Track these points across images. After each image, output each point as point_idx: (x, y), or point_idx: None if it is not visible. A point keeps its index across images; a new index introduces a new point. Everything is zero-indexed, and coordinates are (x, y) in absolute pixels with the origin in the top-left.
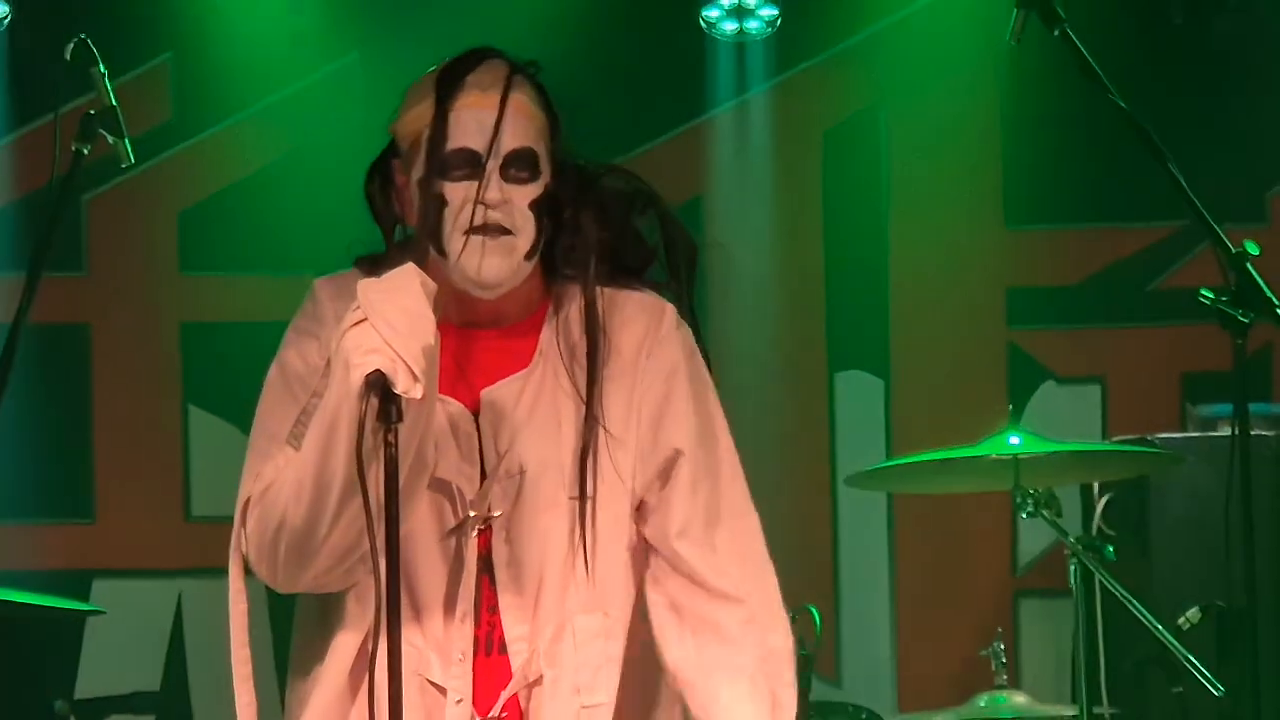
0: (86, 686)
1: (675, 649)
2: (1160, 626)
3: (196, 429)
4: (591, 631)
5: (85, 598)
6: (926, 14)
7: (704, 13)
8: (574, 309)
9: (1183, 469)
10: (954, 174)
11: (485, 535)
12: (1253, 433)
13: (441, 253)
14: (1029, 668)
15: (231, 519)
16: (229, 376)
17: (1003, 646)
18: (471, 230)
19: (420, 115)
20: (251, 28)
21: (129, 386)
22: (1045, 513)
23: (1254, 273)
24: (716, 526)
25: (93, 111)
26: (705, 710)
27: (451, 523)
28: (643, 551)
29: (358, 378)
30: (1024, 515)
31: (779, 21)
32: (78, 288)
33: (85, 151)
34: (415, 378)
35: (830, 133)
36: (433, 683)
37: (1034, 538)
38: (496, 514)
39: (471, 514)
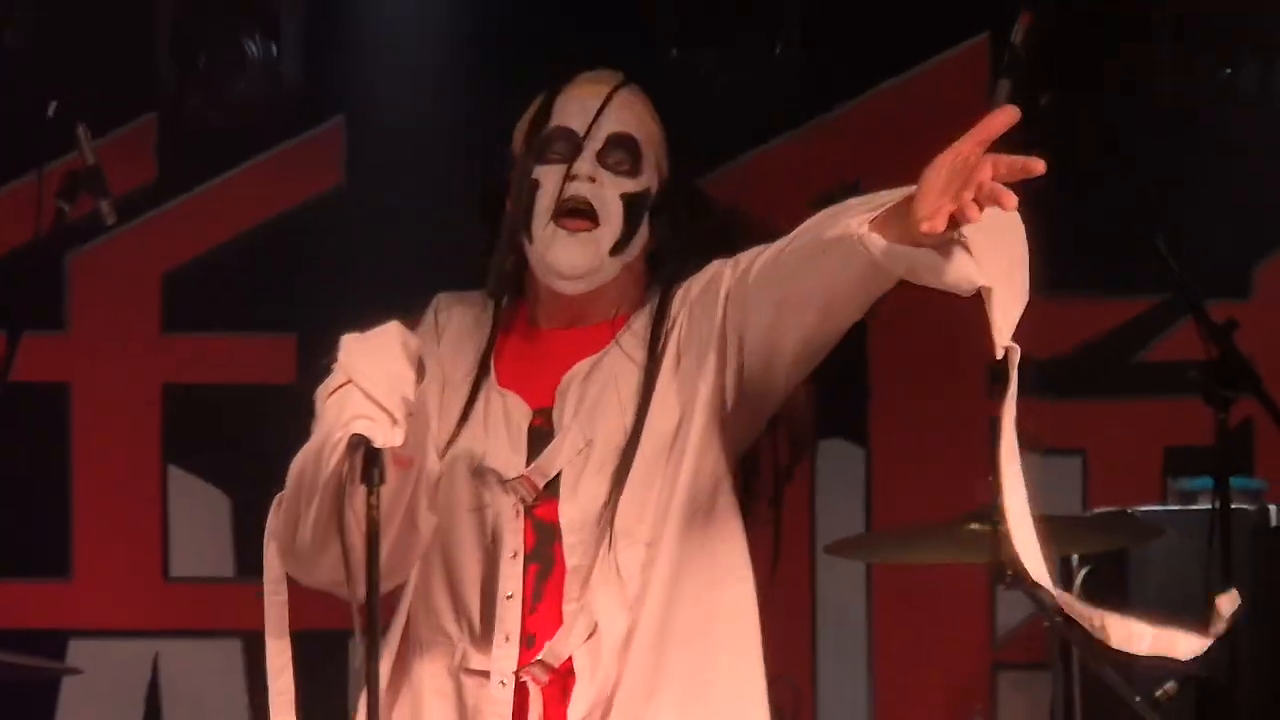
0: None
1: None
2: (1138, 699)
3: (176, 489)
4: (646, 562)
5: (61, 657)
6: (911, 86)
7: (689, 74)
8: (654, 302)
9: (1162, 542)
10: None
11: (532, 525)
12: (1233, 506)
13: (529, 238)
14: None
15: (209, 580)
16: (210, 437)
17: None
18: (558, 211)
19: (529, 116)
20: (235, 88)
21: (108, 445)
22: (1024, 585)
23: (1237, 347)
24: None
25: (76, 170)
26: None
27: (494, 510)
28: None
29: (340, 448)
30: (1002, 587)
31: (763, 88)
32: (58, 346)
33: (67, 209)
34: (395, 423)
35: (811, 203)
36: (473, 670)
37: (1012, 611)
38: (558, 490)
39: (526, 490)
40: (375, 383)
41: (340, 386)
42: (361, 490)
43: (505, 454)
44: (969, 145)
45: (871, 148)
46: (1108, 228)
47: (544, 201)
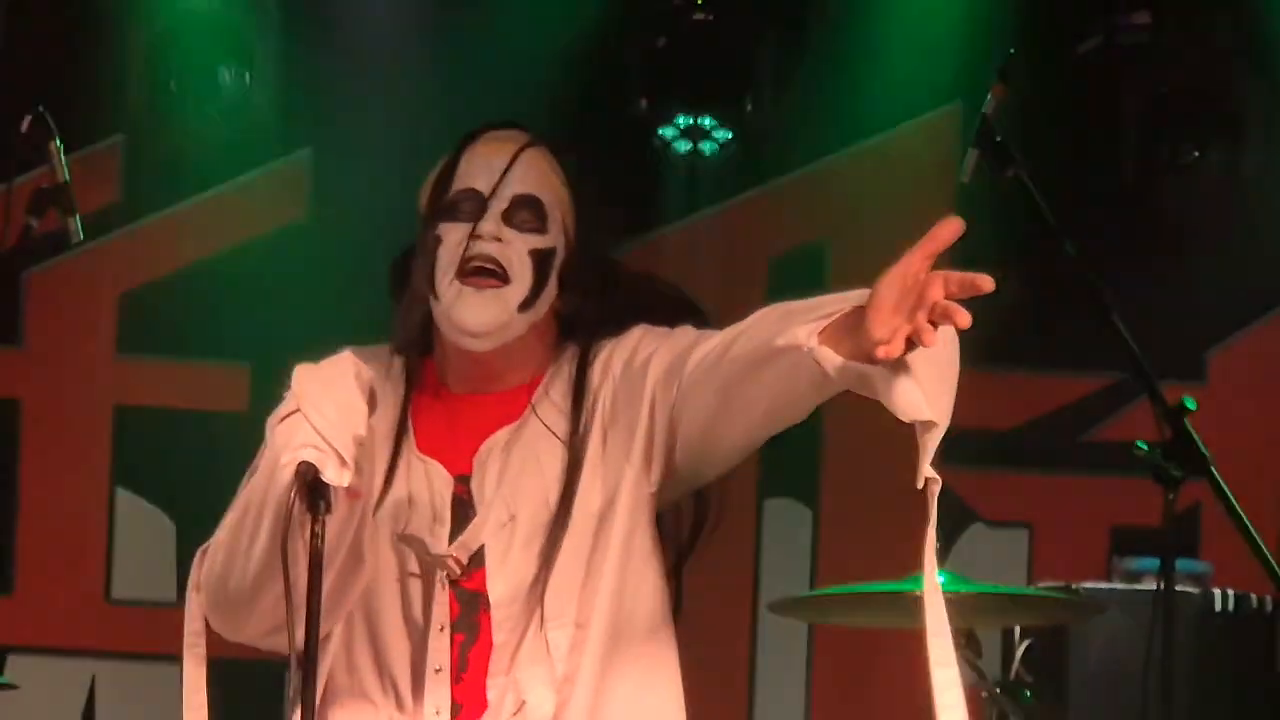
0: None
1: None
2: None
3: (123, 511)
4: (576, 643)
5: None
6: (880, 149)
7: (659, 131)
8: (568, 367)
9: (1104, 620)
10: None
11: (456, 596)
12: (1178, 589)
13: (435, 296)
14: None
15: (151, 604)
16: (159, 461)
17: None
18: (462, 269)
19: (435, 173)
20: (205, 115)
21: (57, 463)
22: (966, 653)
23: (1190, 428)
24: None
25: (46, 186)
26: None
27: (419, 582)
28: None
29: (287, 473)
30: None
31: (733, 145)
32: (12, 361)
33: (35, 225)
34: (344, 464)
35: (776, 261)
36: None
37: None
38: (464, 566)
39: (445, 555)
40: (326, 415)
41: (291, 414)
42: (306, 519)
43: (429, 524)
44: (918, 259)
45: (840, 207)
46: (1066, 304)
47: (447, 258)
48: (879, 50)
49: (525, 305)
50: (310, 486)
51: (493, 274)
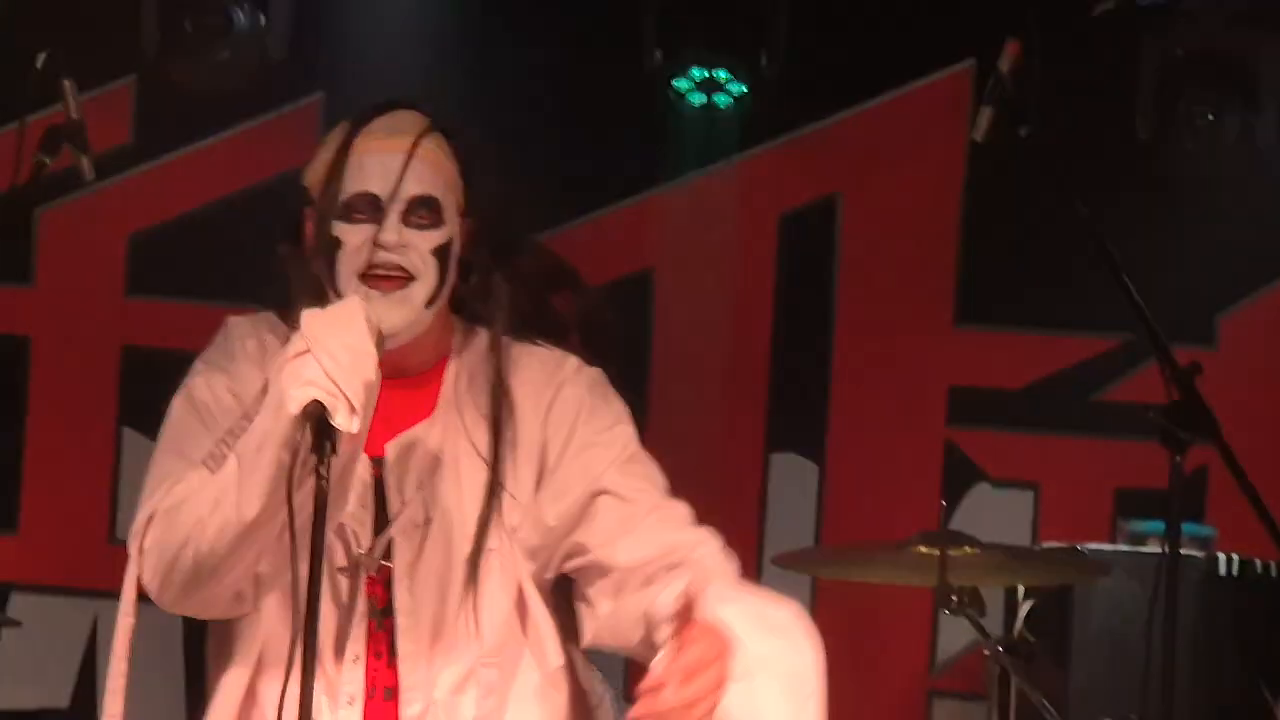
0: None
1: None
2: None
3: (129, 452)
4: (491, 685)
5: (2, 609)
6: (894, 105)
7: (674, 83)
8: (476, 361)
9: (1108, 581)
10: (907, 268)
11: (382, 584)
12: (1182, 552)
13: (337, 294)
14: None
15: None
16: (166, 402)
17: None
18: (367, 273)
19: (328, 161)
20: (218, 57)
21: (65, 402)
22: (969, 611)
23: (1199, 392)
24: (667, 509)
25: (59, 124)
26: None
27: (342, 568)
28: (524, 606)
29: (295, 407)
30: (946, 612)
31: (747, 99)
32: (23, 299)
33: (47, 163)
34: (354, 411)
35: (787, 216)
36: None
37: (953, 638)
38: (388, 563)
39: (363, 555)
40: (336, 359)
41: (300, 354)
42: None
43: (355, 510)
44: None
45: (853, 163)
46: (1076, 264)
47: (349, 262)
48: (895, 5)
49: (431, 301)
50: (318, 426)
51: (397, 275)
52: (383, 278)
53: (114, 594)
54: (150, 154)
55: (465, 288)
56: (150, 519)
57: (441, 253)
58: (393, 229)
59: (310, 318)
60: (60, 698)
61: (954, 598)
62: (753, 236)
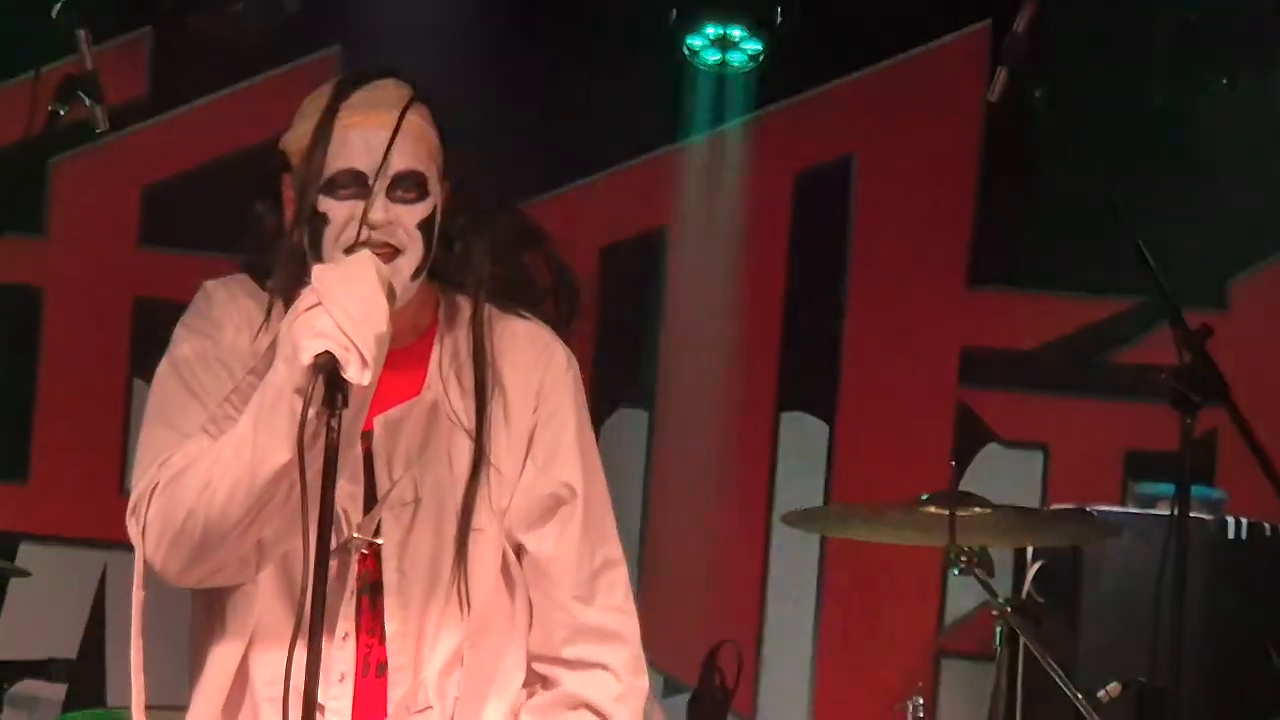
0: (2, 648)
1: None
2: (1080, 697)
3: (139, 403)
4: (475, 665)
5: (11, 559)
6: (909, 65)
7: (688, 40)
8: (462, 334)
9: (1117, 544)
10: (921, 229)
11: (373, 559)
12: (1192, 515)
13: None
14: None
15: None
16: None
17: (921, 701)
18: (354, 249)
19: (309, 131)
20: (235, 9)
21: (76, 354)
22: (978, 572)
23: (1209, 354)
24: (605, 571)
25: (73, 74)
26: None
27: (333, 544)
28: (511, 583)
29: (306, 359)
30: (955, 572)
31: (762, 57)
32: (36, 250)
33: (62, 113)
34: (366, 364)
35: (803, 175)
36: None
37: (962, 599)
38: (379, 540)
39: (355, 537)
40: (348, 311)
41: (311, 308)
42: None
43: (340, 483)
44: None
45: (867, 123)
46: (1089, 227)
47: (334, 236)
48: None
49: (417, 274)
50: (329, 378)
51: (383, 249)
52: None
53: (123, 545)
54: (165, 106)
55: (447, 257)
56: (150, 491)
57: (426, 225)
58: (380, 207)
59: (321, 272)
60: (69, 648)
61: (963, 558)
62: (767, 195)
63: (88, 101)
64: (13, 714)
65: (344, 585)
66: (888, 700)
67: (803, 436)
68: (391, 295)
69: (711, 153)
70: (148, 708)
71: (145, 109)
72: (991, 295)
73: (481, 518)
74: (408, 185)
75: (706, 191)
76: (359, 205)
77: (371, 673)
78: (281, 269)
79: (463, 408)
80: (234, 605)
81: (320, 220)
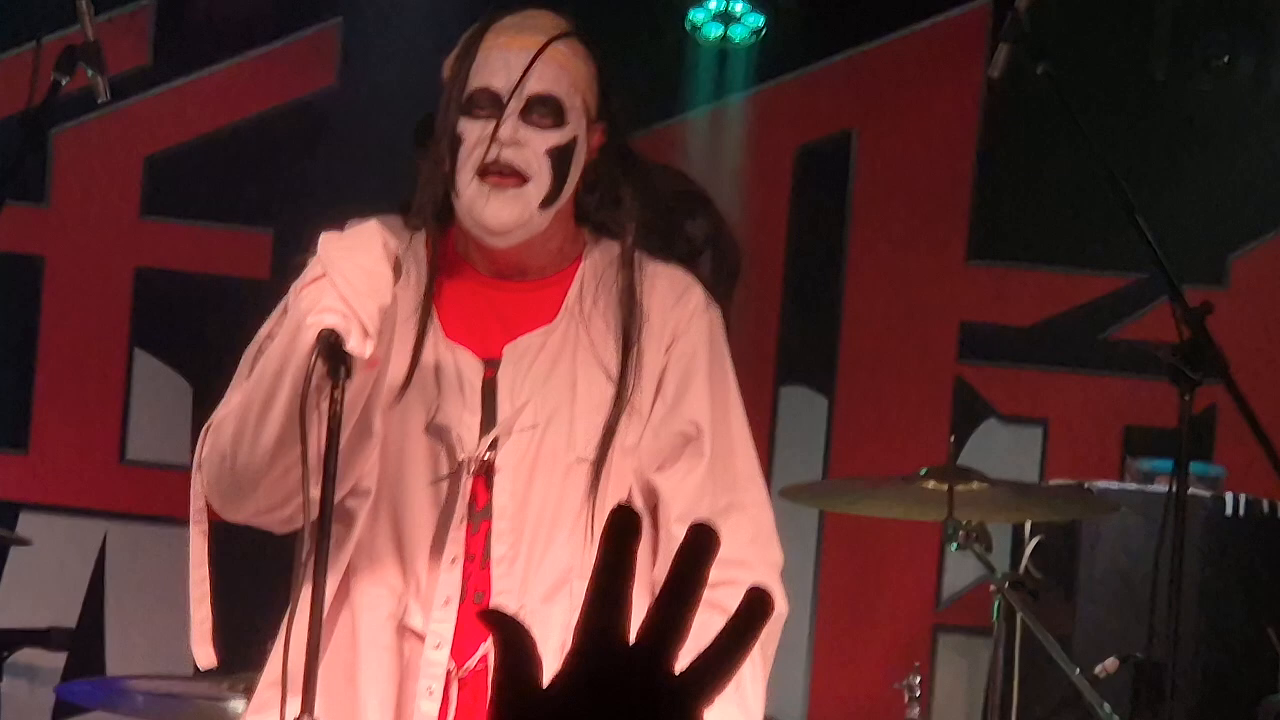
0: (2, 616)
1: None
2: (1078, 672)
3: (140, 373)
4: (582, 597)
5: (11, 528)
6: (911, 40)
7: (690, 15)
8: (607, 271)
9: (1116, 519)
10: (921, 204)
11: (486, 485)
12: (1190, 491)
13: (455, 191)
14: (941, 701)
15: (165, 466)
16: (178, 324)
17: (919, 679)
18: (483, 170)
19: (457, 55)
20: None
21: (77, 323)
22: (976, 547)
23: (1209, 330)
24: (728, 513)
25: (75, 44)
26: None
27: (445, 470)
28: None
29: (310, 334)
30: (954, 547)
31: (764, 32)
32: (37, 219)
33: (63, 82)
34: (367, 335)
35: (803, 150)
36: (412, 629)
37: (959, 574)
38: (488, 458)
39: (465, 459)
40: (352, 282)
41: (316, 279)
42: (326, 383)
43: (458, 413)
44: None
45: (869, 98)
46: (1089, 203)
47: (466, 156)
48: None
49: (546, 203)
50: (332, 352)
51: (512, 174)
52: (498, 174)
53: (123, 514)
54: (167, 76)
55: (590, 198)
56: (205, 432)
57: (558, 154)
58: (510, 126)
59: (327, 241)
60: (69, 617)
61: (961, 533)
62: (768, 170)
63: (90, 72)
64: (12, 682)
65: (453, 511)
66: (885, 674)
67: (802, 411)
68: (398, 266)
69: (713, 127)
70: (157, 676)
71: (147, 79)
72: (991, 270)
73: (629, 440)
74: (544, 110)
75: (707, 166)
76: (493, 125)
77: (469, 599)
78: (422, 190)
79: (601, 343)
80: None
81: (456, 141)
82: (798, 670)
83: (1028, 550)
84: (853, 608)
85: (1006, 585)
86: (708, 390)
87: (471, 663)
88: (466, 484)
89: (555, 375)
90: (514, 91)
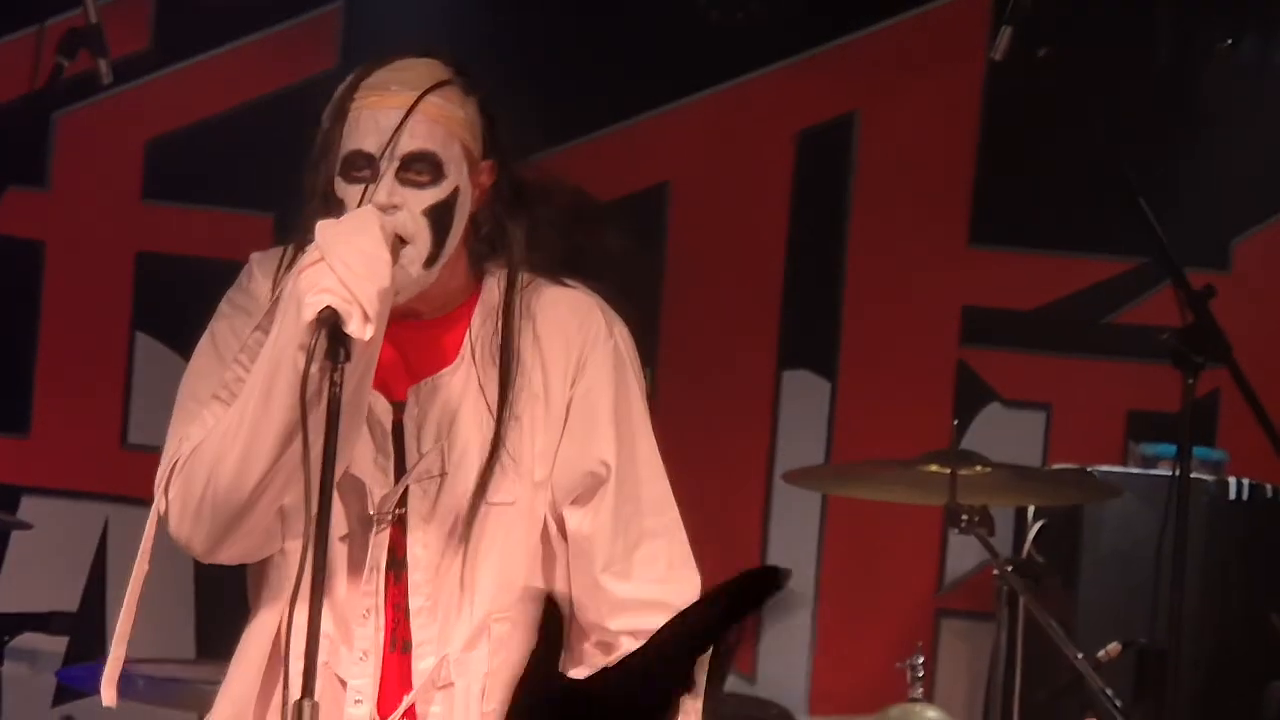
0: (3, 600)
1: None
2: (1080, 656)
3: (142, 356)
4: (502, 639)
5: (13, 512)
6: (915, 25)
7: None
8: (500, 308)
9: (1118, 504)
10: (923, 188)
11: (400, 534)
12: (1193, 476)
13: None
14: (943, 685)
15: None
16: (180, 308)
17: (921, 660)
18: None
19: (331, 110)
20: None
21: (79, 307)
22: (978, 531)
23: (1212, 314)
24: (640, 544)
25: (77, 28)
26: None
27: (358, 519)
28: (551, 557)
29: (309, 314)
30: (956, 531)
31: (767, 14)
32: (38, 203)
33: (65, 65)
34: (367, 319)
35: (805, 133)
36: (339, 676)
37: (962, 558)
38: (403, 514)
39: (378, 513)
40: (350, 266)
41: (314, 263)
42: (326, 365)
43: (371, 457)
44: None
45: (871, 82)
46: (1092, 187)
47: None
48: None
49: (429, 263)
50: (331, 332)
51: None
52: None
53: (125, 498)
54: (169, 60)
55: (478, 242)
56: (172, 468)
57: (436, 211)
58: (384, 188)
59: (324, 227)
60: (70, 601)
61: (964, 517)
62: (770, 152)
63: (92, 55)
64: (13, 666)
65: (366, 561)
66: (888, 658)
67: (804, 394)
68: (396, 249)
69: (715, 109)
70: (157, 660)
71: (149, 63)
72: (994, 254)
73: (508, 491)
74: (420, 167)
75: (710, 148)
76: (370, 189)
77: (398, 648)
78: (303, 248)
79: (487, 379)
80: (274, 567)
81: (338, 204)
82: (800, 653)
83: (1030, 535)
84: (855, 592)
85: (1009, 569)
86: (613, 425)
87: (395, 716)
88: (383, 535)
89: (460, 419)
90: (385, 150)
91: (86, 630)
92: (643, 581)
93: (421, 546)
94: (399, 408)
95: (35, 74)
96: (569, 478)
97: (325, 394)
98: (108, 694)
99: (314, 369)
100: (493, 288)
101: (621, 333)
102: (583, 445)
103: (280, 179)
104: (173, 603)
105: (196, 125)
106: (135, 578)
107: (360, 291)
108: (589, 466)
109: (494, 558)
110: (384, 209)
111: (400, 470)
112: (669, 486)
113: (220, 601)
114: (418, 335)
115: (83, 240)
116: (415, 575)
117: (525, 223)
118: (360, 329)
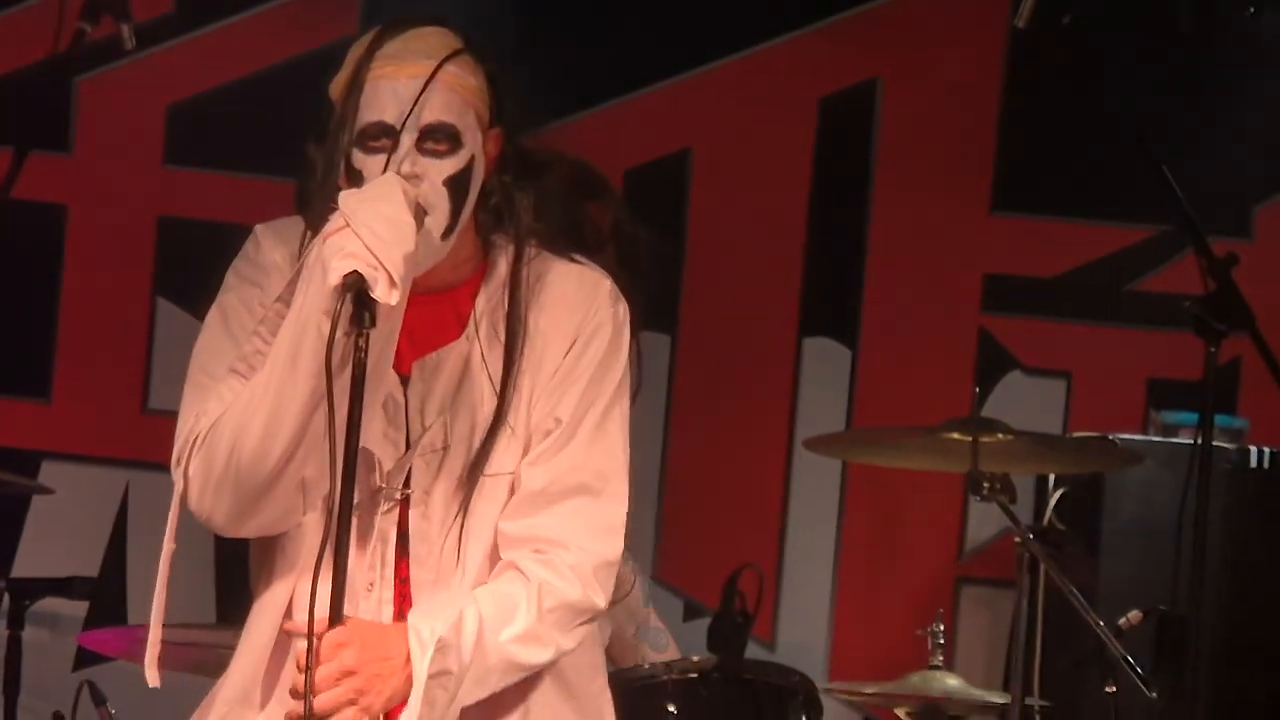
0: (25, 565)
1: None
2: (1101, 624)
3: (163, 322)
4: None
5: (34, 477)
6: None
7: None
8: (508, 279)
9: (1139, 472)
10: (945, 155)
11: (404, 507)
12: (1214, 444)
13: None
14: (963, 653)
15: None
16: (201, 273)
17: (942, 628)
18: None
19: (345, 81)
20: None
21: (100, 272)
22: (1000, 498)
23: (1235, 281)
24: (575, 494)
25: None
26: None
27: (368, 492)
28: None
29: (334, 279)
30: (977, 498)
31: None
32: (61, 168)
33: (88, 30)
34: (394, 284)
35: (827, 100)
36: None
37: (982, 526)
38: (409, 491)
39: (385, 486)
40: (376, 232)
41: (339, 230)
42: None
43: (381, 430)
44: None
45: (894, 46)
46: (1114, 154)
47: None
48: None
49: (447, 233)
50: (357, 298)
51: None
52: None
53: (146, 464)
54: (191, 25)
55: (485, 212)
56: (192, 444)
57: (455, 181)
58: (407, 158)
59: (348, 195)
60: (90, 566)
61: (985, 484)
62: (792, 119)
63: (115, 20)
64: (34, 631)
65: (374, 534)
66: (908, 625)
67: (825, 361)
68: (420, 215)
69: (738, 76)
70: (178, 625)
71: (171, 28)
72: (1016, 221)
73: (505, 463)
74: (438, 137)
75: (732, 115)
76: (389, 159)
77: (401, 620)
78: (321, 219)
79: (491, 354)
80: (284, 542)
81: (355, 175)
82: (821, 620)
83: (1051, 502)
84: (875, 559)
85: (1030, 537)
86: (581, 391)
87: None
88: (390, 510)
89: (462, 392)
90: (406, 121)
91: (107, 595)
92: (562, 523)
93: (423, 519)
94: (405, 382)
95: (58, 39)
96: (533, 437)
97: (350, 360)
98: (151, 675)
99: (339, 334)
100: (499, 261)
101: (623, 312)
102: (547, 406)
103: (302, 145)
104: (193, 567)
105: (218, 90)
106: (164, 557)
107: (386, 256)
108: (545, 426)
109: (485, 530)
110: (407, 179)
111: (409, 443)
112: (624, 471)
113: (241, 565)
114: (422, 310)
115: (105, 205)
116: (419, 548)
117: (532, 192)
118: (386, 293)
